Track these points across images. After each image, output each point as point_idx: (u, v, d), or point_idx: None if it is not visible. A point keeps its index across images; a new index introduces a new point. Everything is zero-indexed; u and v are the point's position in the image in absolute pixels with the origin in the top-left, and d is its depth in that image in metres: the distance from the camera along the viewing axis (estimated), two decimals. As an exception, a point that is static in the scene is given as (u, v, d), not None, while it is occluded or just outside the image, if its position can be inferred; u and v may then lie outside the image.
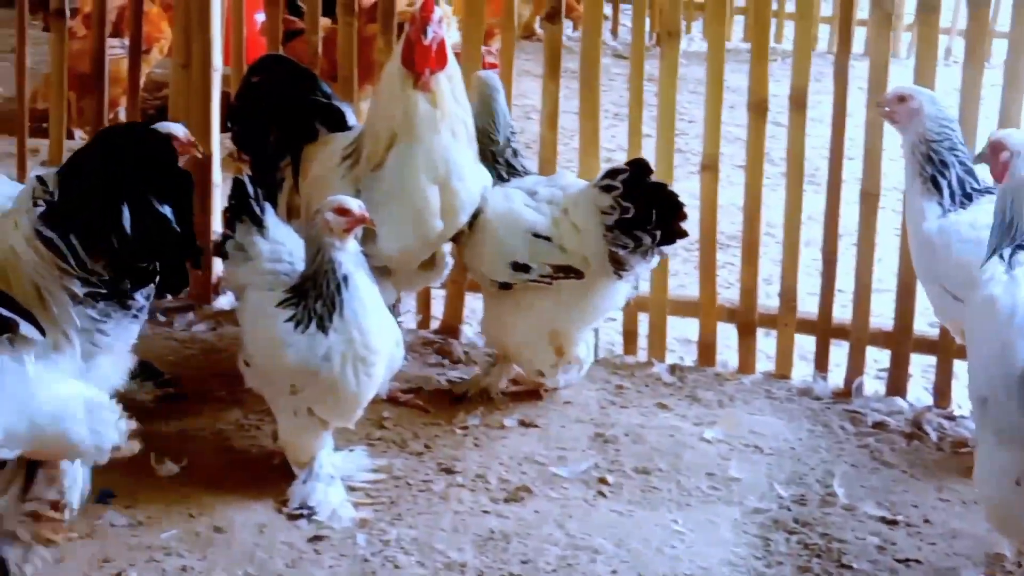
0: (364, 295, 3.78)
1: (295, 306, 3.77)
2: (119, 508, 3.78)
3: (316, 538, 3.71)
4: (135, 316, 3.30)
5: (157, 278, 3.24)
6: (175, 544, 3.65)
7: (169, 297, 3.35)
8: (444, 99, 4.19)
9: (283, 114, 4.53)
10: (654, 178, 4.23)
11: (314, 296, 3.75)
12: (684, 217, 4.21)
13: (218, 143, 5.29)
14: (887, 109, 4.26)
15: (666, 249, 4.30)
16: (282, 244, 4.01)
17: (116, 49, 6.42)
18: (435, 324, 5.15)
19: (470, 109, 4.31)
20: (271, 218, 4.08)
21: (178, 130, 4.16)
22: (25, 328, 3.04)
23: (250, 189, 4.08)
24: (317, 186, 4.34)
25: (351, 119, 4.56)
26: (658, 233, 4.17)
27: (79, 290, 3.18)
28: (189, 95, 5.19)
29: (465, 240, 4.40)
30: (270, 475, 3.98)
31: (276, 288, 3.88)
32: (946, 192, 4.15)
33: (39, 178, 3.21)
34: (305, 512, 3.81)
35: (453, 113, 4.21)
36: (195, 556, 3.60)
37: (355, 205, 3.77)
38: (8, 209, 3.30)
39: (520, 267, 4.30)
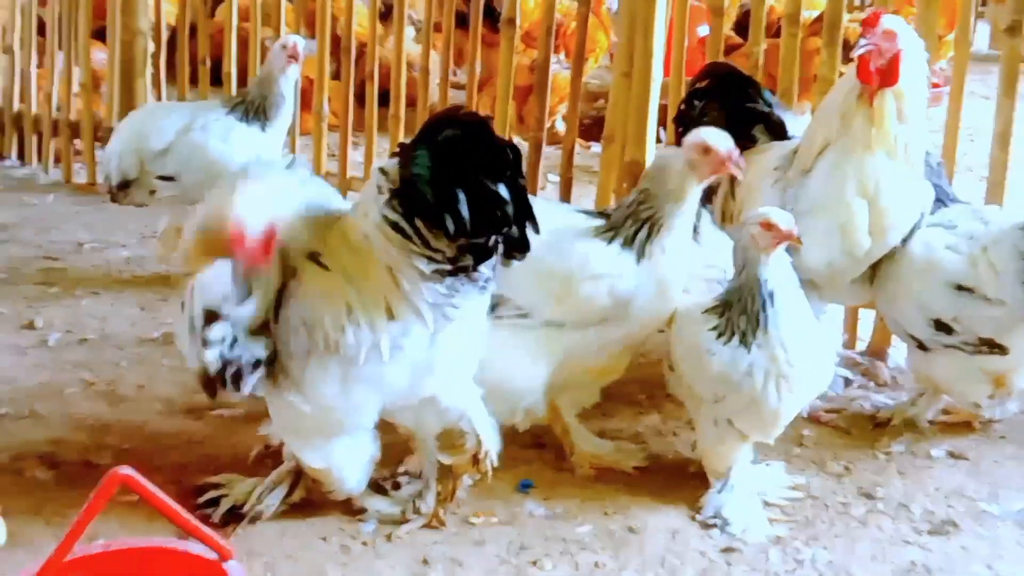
0: (791, 312, 3.67)
1: (720, 316, 3.73)
2: (538, 498, 3.87)
3: (728, 549, 3.65)
4: (483, 288, 3.39)
5: (499, 251, 3.31)
6: (589, 540, 3.68)
7: (515, 263, 3.42)
8: (886, 117, 4.02)
9: (725, 119, 4.50)
10: None
11: (738, 311, 3.68)
12: None
13: (652, 152, 5.34)
14: None
15: None
16: (715, 250, 3.99)
17: (552, 64, 6.62)
18: (861, 345, 4.97)
19: (924, 130, 4.11)
20: (706, 224, 4.06)
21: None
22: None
23: (687, 195, 4.07)
24: (750, 193, 4.29)
25: (791, 129, 4.48)
26: None
27: (425, 268, 3.29)
28: (628, 103, 5.27)
29: (880, 283, 4.23)
30: (685, 482, 3.96)
31: (706, 295, 3.86)
32: None
33: (381, 169, 3.34)
34: (718, 522, 3.75)
35: (893, 133, 4.03)
36: (607, 553, 3.62)
37: (783, 220, 3.62)
38: (358, 200, 3.47)
39: (942, 327, 4.08)
